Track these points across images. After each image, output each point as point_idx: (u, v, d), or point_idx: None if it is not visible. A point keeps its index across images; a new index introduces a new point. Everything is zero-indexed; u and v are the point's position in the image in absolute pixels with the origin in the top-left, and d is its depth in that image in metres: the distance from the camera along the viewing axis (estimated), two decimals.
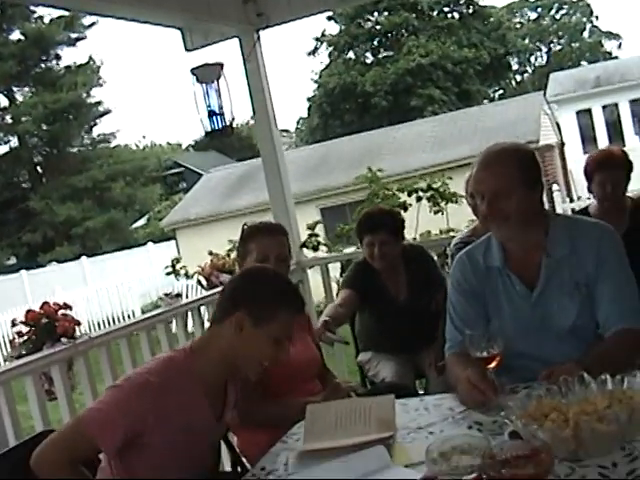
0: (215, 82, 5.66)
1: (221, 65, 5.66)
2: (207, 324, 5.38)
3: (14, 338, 4.41)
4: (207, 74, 5.65)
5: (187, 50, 5.99)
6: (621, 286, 2.93)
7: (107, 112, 38.96)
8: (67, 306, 4.45)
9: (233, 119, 5.77)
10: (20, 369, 3.91)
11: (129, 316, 19.43)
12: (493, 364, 2.62)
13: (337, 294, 5.16)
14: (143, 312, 19.01)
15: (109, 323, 18.87)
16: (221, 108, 5.69)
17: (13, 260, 36.10)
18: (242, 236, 3.80)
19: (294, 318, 2.76)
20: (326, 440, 2.59)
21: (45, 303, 4.43)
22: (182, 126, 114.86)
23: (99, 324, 18.89)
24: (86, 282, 23.10)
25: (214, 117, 5.68)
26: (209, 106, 5.66)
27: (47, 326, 4.27)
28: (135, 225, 37.01)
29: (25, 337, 4.31)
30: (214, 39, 5.94)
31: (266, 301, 2.65)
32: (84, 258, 26.15)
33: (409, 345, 4.74)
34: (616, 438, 2.06)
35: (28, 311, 4.38)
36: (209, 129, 5.69)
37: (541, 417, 2.15)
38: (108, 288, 20.57)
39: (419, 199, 8.32)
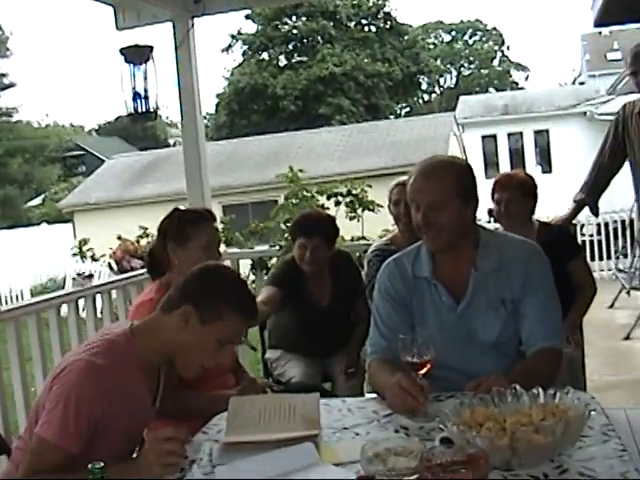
0: (143, 64, 5.56)
1: (151, 48, 5.56)
2: (116, 308, 5.36)
3: None
4: (136, 55, 5.54)
5: (118, 29, 5.86)
6: (545, 305, 2.98)
7: (11, 85, 38.18)
8: None
9: (157, 104, 5.68)
10: None
11: (17, 297, 18.91)
12: (424, 370, 2.62)
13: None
14: (32, 294, 18.57)
15: None
16: (146, 91, 5.59)
17: None
18: (180, 221, 3.72)
19: (244, 324, 2.67)
20: (249, 434, 2.56)
21: None
22: (87, 109, 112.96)
23: None
24: None
25: (138, 100, 5.57)
26: (134, 88, 5.55)
27: None
28: (30, 204, 36.19)
29: None
30: (147, 20, 5.82)
31: (217, 300, 2.56)
32: None
33: (321, 348, 4.73)
34: (550, 450, 2.09)
35: None
36: (132, 111, 5.59)
37: (476, 425, 2.17)
38: None
39: (337, 203, 8.33)
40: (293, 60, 44.45)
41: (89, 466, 1.73)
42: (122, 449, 2.58)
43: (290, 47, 44.69)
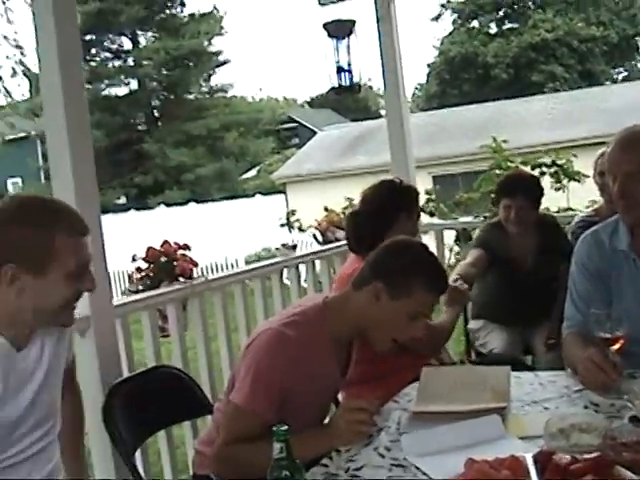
0: (346, 38, 5.63)
1: (353, 22, 5.63)
2: (320, 279, 5.49)
3: (132, 273, 4.52)
4: (339, 30, 5.62)
5: (320, 4, 5.95)
6: None
7: (226, 62, 39.47)
8: (186, 247, 4.54)
9: (361, 77, 5.75)
10: (137, 304, 4.00)
11: (232, 265, 19.55)
12: (616, 346, 2.56)
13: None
14: (247, 263, 19.16)
15: (212, 270, 19.02)
16: (350, 65, 5.66)
17: (123, 200, 36.96)
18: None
19: (434, 299, 2.69)
20: (439, 404, 2.59)
21: (165, 242, 4.52)
22: (299, 82, 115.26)
23: (202, 270, 18.91)
24: (192, 228, 23.33)
25: (342, 73, 5.66)
26: (338, 62, 5.64)
27: (166, 265, 4.36)
28: (245, 176, 37.28)
29: (144, 273, 4.42)
30: None
31: (405, 276, 2.58)
32: (192, 204, 26.47)
33: (523, 317, 4.71)
34: None
35: (148, 248, 4.48)
36: (336, 85, 5.68)
37: None
38: (214, 236, 20.69)
39: (542, 174, 8.17)
40: (504, 27, 43.56)
41: (273, 428, 1.80)
42: (311, 418, 2.65)
43: (500, 14, 43.80)
